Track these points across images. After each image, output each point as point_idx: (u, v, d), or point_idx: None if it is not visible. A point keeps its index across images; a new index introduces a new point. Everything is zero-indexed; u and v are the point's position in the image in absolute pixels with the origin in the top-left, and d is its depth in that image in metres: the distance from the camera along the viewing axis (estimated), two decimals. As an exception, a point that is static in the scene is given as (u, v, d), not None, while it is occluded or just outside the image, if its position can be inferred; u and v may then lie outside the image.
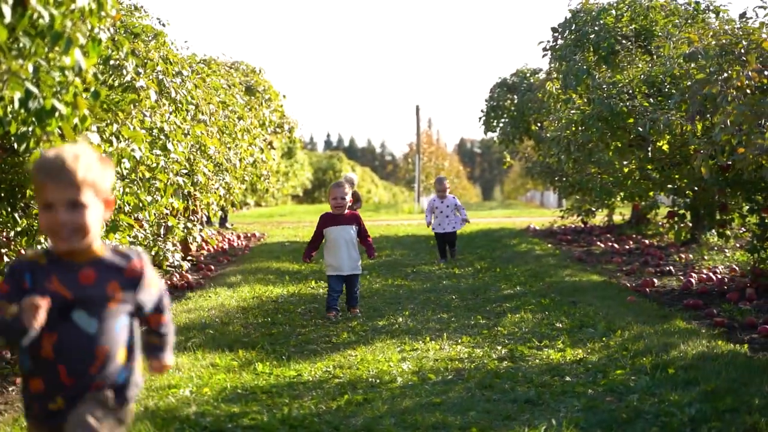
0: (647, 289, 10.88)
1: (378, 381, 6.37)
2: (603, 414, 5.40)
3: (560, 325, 8.30)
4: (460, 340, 7.74)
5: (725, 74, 6.36)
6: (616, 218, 20.99)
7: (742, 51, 6.36)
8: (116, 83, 6.96)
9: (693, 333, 7.72)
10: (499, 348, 7.40)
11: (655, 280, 11.42)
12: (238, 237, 18.88)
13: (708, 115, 6.80)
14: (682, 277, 11.78)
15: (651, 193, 15.06)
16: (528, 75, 20.40)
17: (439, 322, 8.71)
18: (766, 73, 6.05)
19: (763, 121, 5.74)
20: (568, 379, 6.34)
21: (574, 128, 10.72)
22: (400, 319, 8.85)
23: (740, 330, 8.22)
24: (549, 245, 16.67)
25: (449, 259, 14.42)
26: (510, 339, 7.77)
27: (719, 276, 11.71)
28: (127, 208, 7.45)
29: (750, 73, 6.05)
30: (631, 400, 5.66)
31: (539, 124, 18.02)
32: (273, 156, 17.01)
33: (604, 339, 7.60)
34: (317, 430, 5.19)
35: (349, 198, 9.26)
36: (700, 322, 8.50)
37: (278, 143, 20.52)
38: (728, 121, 6.10)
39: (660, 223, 18.06)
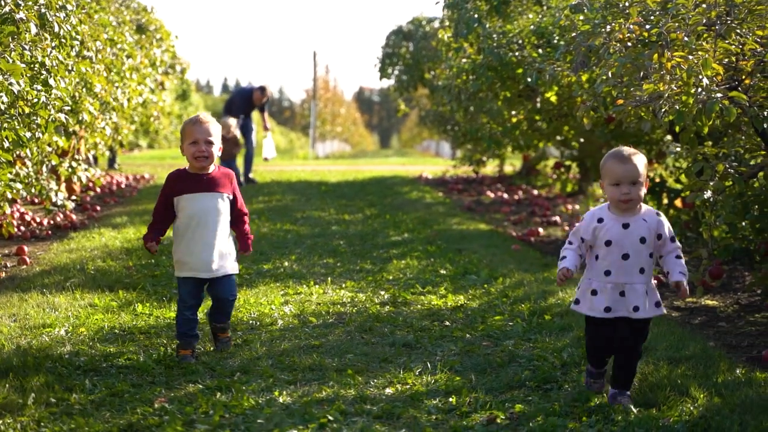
0: (532, 239, 11.05)
1: (258, 323, 6.36)
2: (478, 358, 5.49)
3: (444, 272, 8.38)
4: (344, 285, 7.77)
5: (609, 27, 6.44)
6: (508, 169, 21.22)
7: (626, 4, 6.44)
8: (-6, 15, 6.74)
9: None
10: (383, 293, 7.44)
11: (541, 230, 11.60)
12: (127, 178, 18.58)
13: (593, 67, 6.88)
14: (567, 227, 11.98)
15: (540, 144, 15.27)
16: (424, 23, 20.37)
17: (325, 267, 8.71)
18: (647, 26, 6.13)
19: (641, 74, 5.83)
20: (447, 324, 6.42)
21: (464, 77, 10.75)
22: (285, 263, 8.83)
23: (618, 279, 8.40)
24: (440, 194, 16.79)
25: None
26: (394, 284, 7.82)
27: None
28: (6, 144, 7.24)
29: (632, 26, 6.14)
30: (506, 345, 5.76)
31: (433, 73, 18.05)
32: (164, 97, 16.73)
33: (485, 286, 7.70)
34: (193, 371, 5.17)
35: (219, 145, 5.60)
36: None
37: (170, 85, 20.17)
38: (610, 73, 6.19)
39: (549, 174, 18.32)
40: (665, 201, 10.39)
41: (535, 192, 16.87)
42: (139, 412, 4.44)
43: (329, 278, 8.03)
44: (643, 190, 4.50)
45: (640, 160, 4.49)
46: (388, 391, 4.84)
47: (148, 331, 6.11)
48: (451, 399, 4.68)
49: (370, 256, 9.35)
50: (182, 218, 5.53)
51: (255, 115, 18.85)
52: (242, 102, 17.82)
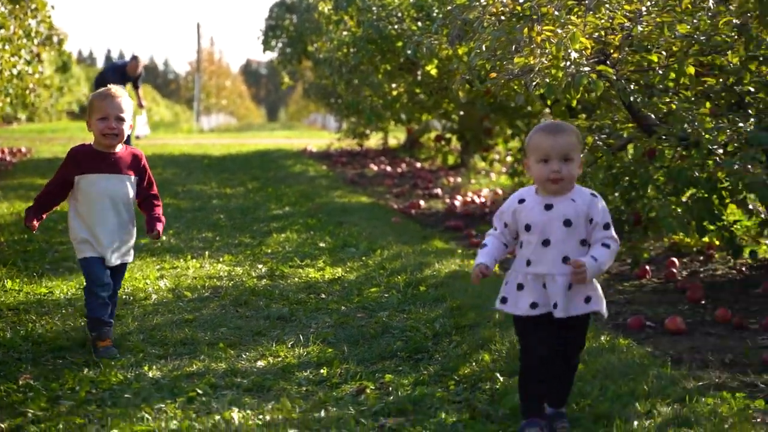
0: (413, 211, 11.13)
1: (132, 298, 6.28)
2: (352, 329, 5.51)
3: (323, 245, 8.38)
4: (221, 259, 7.71)
5: (483, 0, 6.48)
6: (392, 142, 21.28)
7: (501, -23, 6.50)
8: None
9: (449, 253, 7.97)
10: (260, 266, 7.41)
11: (422, 203, 11.69)
12: (2, 152, 18.09)
13: (468, 40, 6.93)
14: (448, 200, 12.09)
15: (422, 117, 15.36)
16: (307, -5, 20.25)
17: (204, 241, 8.64)
18: (520, 0, 6.19)
19: (514, 47, 5.90)
20: (323, 296, 6.43)
21: (345, 50, 10.75)
22: (163, 237, 8.71)
23: (494, 250, 8.52)
24: (324, 167, 16.78)
25: None
26: (272, 258, 7.79)
27: (483, 199, 12.10)
28: None
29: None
30: (380, 317, 5.79)
31: (316, 46, 17.98)
32: (40, 69, 16.28)
33: (363, 258, 7.73)
34: (61, 347, 5.07)
35: (130, 122, 5.17)
36: (458, 243, 8.77)
37: (47, 56, 19.66)
38: (484, 47, 6.24)
39: (431, 147, 18.45)
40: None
41: (419, 165, 16.97)
42: (2, 389, 4.34)
43: (207, 252, 7.97)
44: (578, 170, 3.82)
45: (572, 132, 3.83)
46: (260, 363, 4.83)
47: (16, 307, 5.97)
48: (322, 371, 4.69)
49: (250, 230, 9.30)
50: (83, 199, 5.06)
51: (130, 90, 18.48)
52: (116, 77, 17.39)
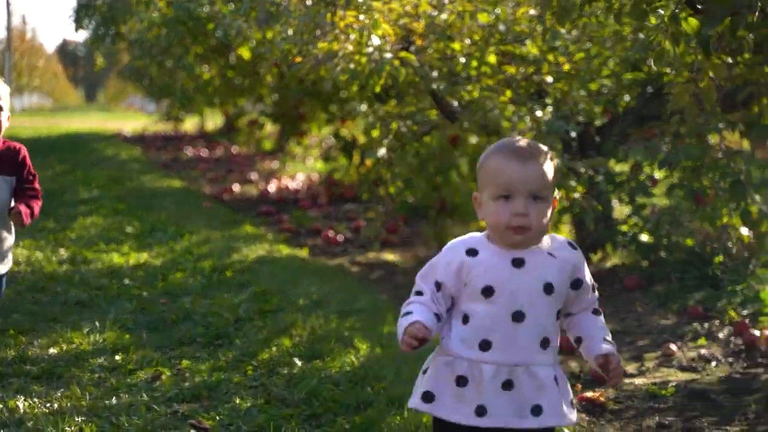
0: (225, 196, 11.04)
1: None
2: (153, 315, 5.42)
3: (131, 230, 8.22)
4: (20, 244, 7.44)
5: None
6: (210, 125, 21.04)
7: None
8: None
9: (259, 238, 7.94)
10: (62, 251, 7.21)
11: (236, 187, 11.61)
12: None
13: (276, 24, 6.91)
14: (262, 185, 12.04)
15: (238, 101, 15.24)
16: (119, -26, 19.73)
17: (3, 226, 8.33)
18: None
19: (318, 33, 5.90)
20: (126, 282, 6.30)
21: (156, 31, 10.54)
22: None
23: (305, 235, 8.55)
24: (137, 151, 16.46)
25: None
26: (76, 243, 7.58)
27: (297, 184, 12.10)
28: None
29: (311, -16, 6.19)
30: (183, 302, 5.71)
31: (127, 26, 17.57)
32: None
33: (171, 243, 7.62)
34: None
35: (8, 113, 4.17)
36: (268, 228, 8.75)
37: None
38: (290, 31, 6.22)
39: (248, 132, 18.34)
40: (357, 160, 10.62)
41: (236, 149, 16.84)
42: None
43: (6, 237, 7.67)
44: (549, 213, 2.56)
45: (546, 158, 2.56)
46: (52, 350, 4.69)
47: None
48: (117, 357, 4.59)
49: (55, 214, 9.02)
50: None
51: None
52: None
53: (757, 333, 5.04)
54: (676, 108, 4.38)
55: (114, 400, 3.98)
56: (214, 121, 21.92)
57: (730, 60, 4.18)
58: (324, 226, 8.89)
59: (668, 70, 4.14)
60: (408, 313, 2.55)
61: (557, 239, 2.62)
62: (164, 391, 4.12)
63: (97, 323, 5.15)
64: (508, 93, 6.29)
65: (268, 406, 3.96)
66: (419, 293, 2.60)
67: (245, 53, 10.38)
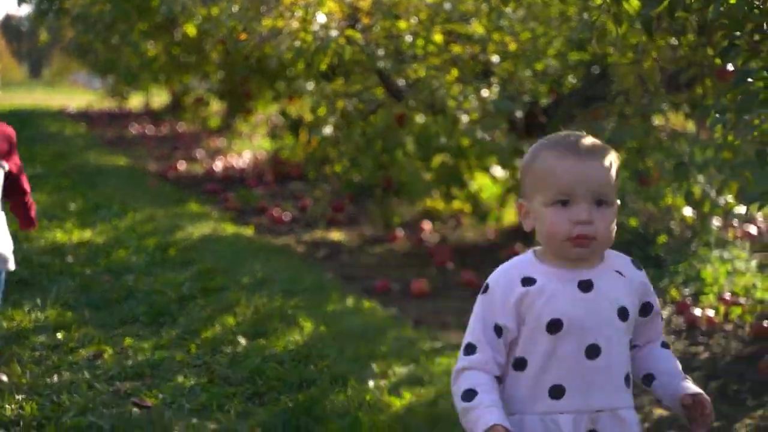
0: (170, 174, 10.95)
1: None
2: (95, 293, 5.37)
3: (74, 207, 8.12)
4: (-39, 221, 7.34)
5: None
6: (156, 103, 20.83)
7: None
8: None
9: (203, 216, 7.90)
10: (4, 228, 7.10)
11: (182, 165, 11.52)
12: None
13: (222, 1, 6.85)
14: (207, 163, 11.96)
15: (184, 78, 15.09)
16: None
17: (-57, 203, 8.20)
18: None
19: (263, 9, 5.86)
20: (69, 260, 6.23)
21: (100, 7, 10.41)
22: None
23: (250, 214, 8.52)
24: (82, 128, 16.27)
25: None
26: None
27: (243, 163, 12.04)
28: None
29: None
30: (126, 280, 5.67)
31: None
32: None
33: (114, 221, 7.54)
34: None
35: None
36: (214, 206, 8.70)
37: None
38: (235, 8, 6.18)
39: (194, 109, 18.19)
40: (303, 138, 10.58)
41: (182, 127, 16.70)
42: None
43: (-55, 214, 7.57)
44: (615, 221, 2.16)
45: (610, 155, 2.14)
46: (-7, 329, 4.64)
47: None
48: (59, 335, 4.55)
49: (-4, 191, 8.88)
50: None
51: None
52: None
53: (698, 312, 5.12)
54: (621, 89, 4.43)
55: (55, 378, 3.95)
56: (159, 98, 21.71)
57: (674, 41, 4.23)
58: (270, 204, 8.86)
59: (612, 50, 4.17)
60: (471, 391, 2.05)
61: (620, 256, 2.24)
62: (106, 369, 4.10)
63: (38, 301, 5.10)
64: (455, 72, 6.29)
65: (211, 384, 3.96)
66: (472, 348, 2.10)
67: (190, 30, 10.29)
